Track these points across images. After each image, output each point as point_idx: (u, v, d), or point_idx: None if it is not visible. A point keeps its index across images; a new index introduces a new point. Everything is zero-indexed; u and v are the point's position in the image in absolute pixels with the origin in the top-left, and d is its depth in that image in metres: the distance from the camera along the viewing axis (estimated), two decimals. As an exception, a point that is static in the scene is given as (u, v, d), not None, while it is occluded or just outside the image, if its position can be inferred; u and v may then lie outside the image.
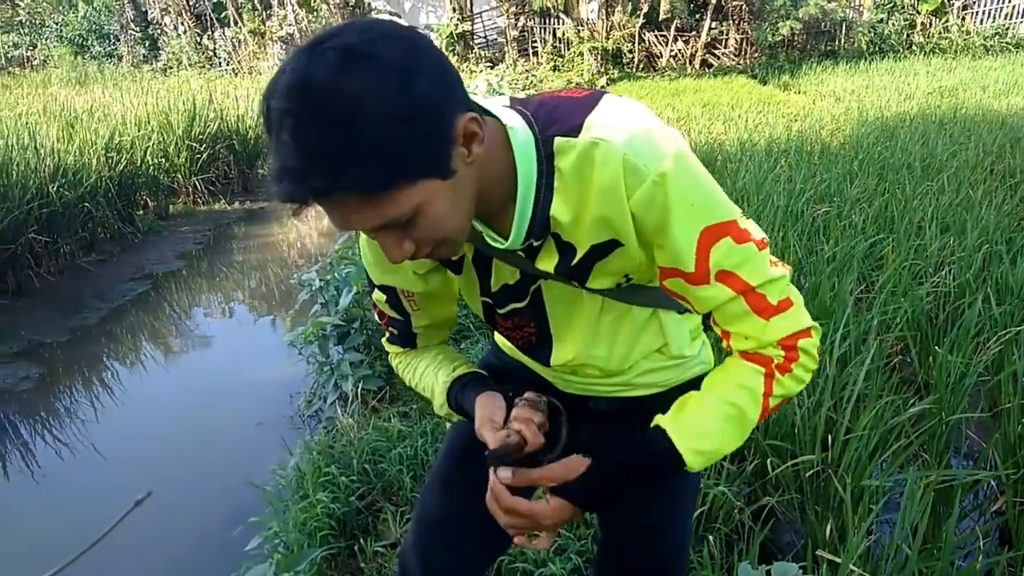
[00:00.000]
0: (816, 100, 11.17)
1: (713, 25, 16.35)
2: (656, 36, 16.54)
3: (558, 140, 0.85)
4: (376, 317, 1.21)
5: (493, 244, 0.93)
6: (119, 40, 20.88)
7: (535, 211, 0.87)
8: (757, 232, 0.88)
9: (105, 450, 3.19)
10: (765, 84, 13.83)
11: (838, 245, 3.74)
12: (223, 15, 19.02)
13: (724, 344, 0.95)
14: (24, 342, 4.24)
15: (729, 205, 0.87)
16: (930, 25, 16.98)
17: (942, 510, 2.08)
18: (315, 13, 17.54)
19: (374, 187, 0.74)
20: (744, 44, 16.74)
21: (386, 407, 3.00)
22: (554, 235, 0.91)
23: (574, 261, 0.92)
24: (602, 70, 15.05)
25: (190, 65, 18.21)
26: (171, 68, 18.18)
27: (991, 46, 16.00)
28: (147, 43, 20.52)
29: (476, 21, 17.25)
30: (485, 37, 17.60)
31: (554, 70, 15.30)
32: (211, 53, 19.19)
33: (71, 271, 5.42)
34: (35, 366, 3.98)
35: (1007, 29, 16.33)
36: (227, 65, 18.35)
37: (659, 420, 0.95)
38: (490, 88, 8.39)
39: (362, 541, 2.20)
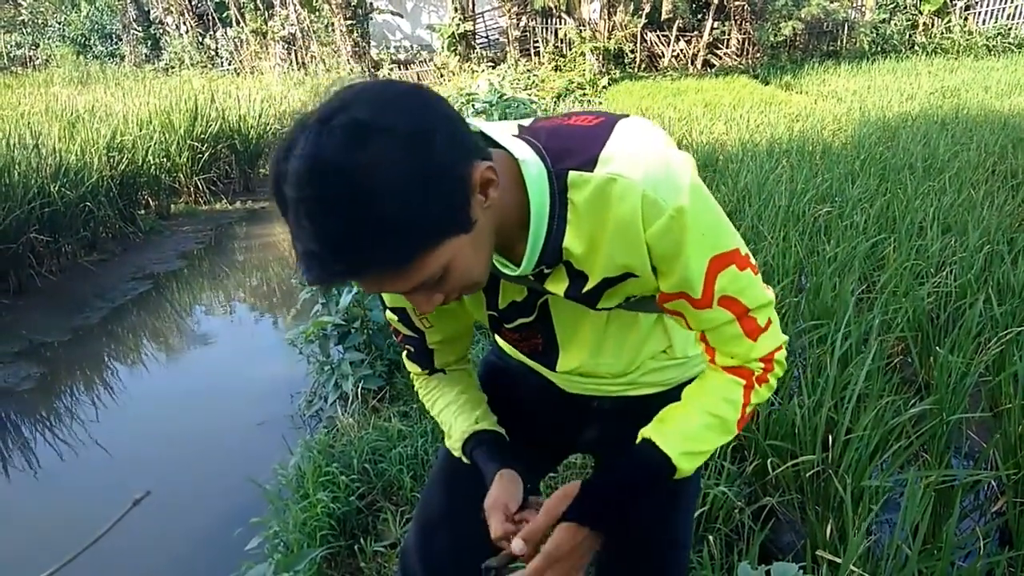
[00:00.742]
0: (818, 100, 11.16)
1: (715, 25, 16.34)
2: (658, 36, 16.54)
3: (572, 174, 0.84)
4: (393, 336, 1.22)
5: (504, 270, 0.93)
6: (121, 40, 20.90)
7: (547, 242, 0.87)
8: (751, 257, 0.91)
9: (106, 450, 3.19)
10: (767, 84, 13.82)
11: (839, 245, 3.74)
12: (225, 15, 19.04)
13: (707, 358, 0.98)
14: (25, 342, 4.24)
15: (732, 232, 0.89)
16: (932, 25, 16.97)
17: (942, 510, 2.08)
18: (317, 13, 17.56)
19: (400, 262, 0.75)
20: (746, 44, 16.73)
21: (386, 407, 3.00)
22: (566, 263, 0.91)
23: (585, 289, 0.93)
24: (604, 70, 15.04)
25: (192, 65, 18.22)
26: (173, 68, 18.20)
27: (993, 46, 15.98)
28: (149, 43, 20.54)
29: (478, 21, 17.26)
30: (487, 37, 17.61)
31: (556, 70, 15.30)
32: (213, 53, 19.21)
33: (73, 271, 5.43)
34: (36, 366, 3.98)
35: (1009, 29, 16.32)
36: (229, 65, 18.37)
37: (645, 432, 0.97)
38: (492, 88, 8.38)
39: (362, 541, 2.20)
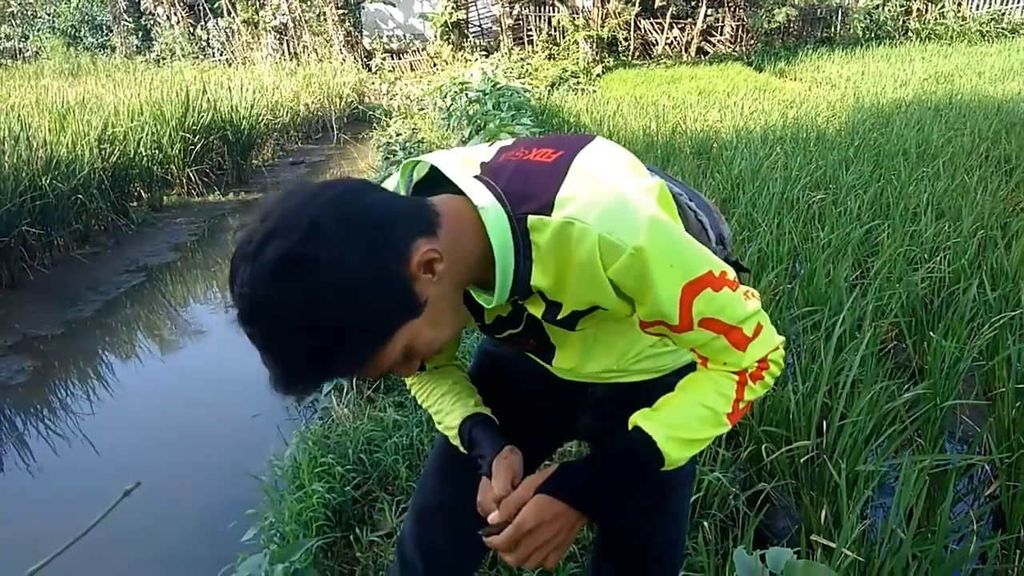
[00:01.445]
0: (812, 87, 11.15)
1: (709, 12, 16.27)
2: (652, 23, 16.46)
3: (532, 219, 0.86)
4: None
5: (481, 302, 0.94)
6: (112, 31, 20.73)
7: (515, 281, 0.89)
8: (729, 272, 0.91)
9: (100, 442, 3.18)
10: (761, 71, 13.79)
11: (834, 231, 3.74)
12: (216, 5, 18.89)
13: (700, 363, 0.99)
14: (18, 335, 4.22)
15: (704, 256, 0.89)
16: (926, 11, 16.94)
17: (936, 494, 2.09)
18: (309, 2, 17.43)
19: (357, 366, 0.83)
20: (740, 31, 16.67)
21: (381, 397, 2.99)
22: (540, 292, 0.92)
23: (559, 316, 0.95)
24: (598, 58, 14.98)
25: (183, 56, 18.08)
26: (164, 59, 18.05)
27: (987, 32, 15.97)
28: (140, 34, 20.37)
29: (471, 9, 17.16)
30: (480, 25, 17.50)
31: (549, 58, 15.23)
32: (204, 43, 19.06)
33: (65, 264, 5.40)
34: (29, 359, 3.96)
35: (1003, 15, 16.31)
36: (220, 55, 18.24)
37: (635, 419, 0.97)
38: (485, 77, 8.35)
39: (358, 531, 2.20)
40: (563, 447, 2.40)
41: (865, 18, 16.47)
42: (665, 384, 1.10)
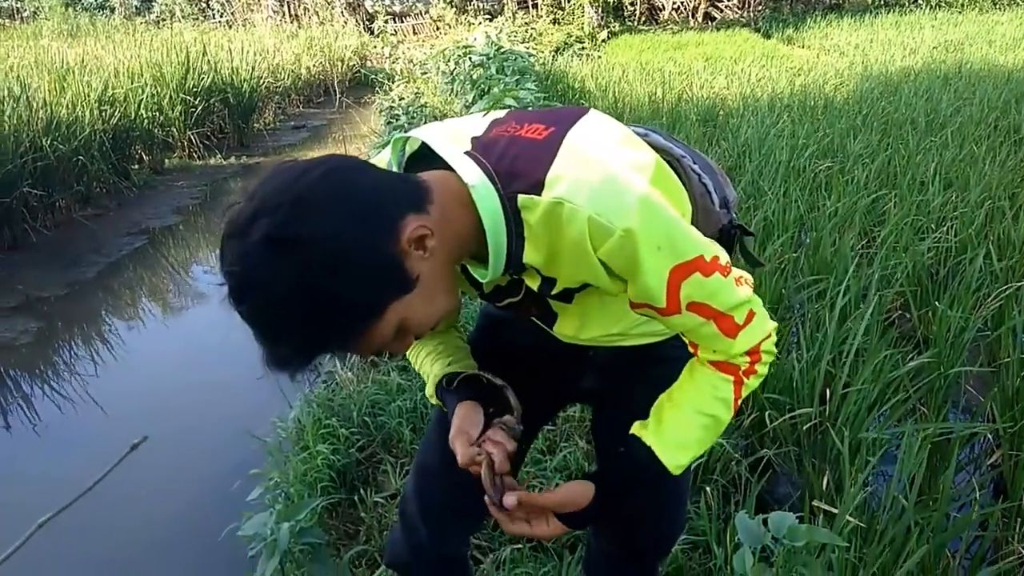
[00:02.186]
0: (820, 54, 11.02)
1: (716, -23, 16.04)
2: (658, -12, 16.23)
3: (522, 198, 0.84)
4: None
5: (477, 276, 0.93)
6: (110, -9, 20.43)
7: (508, 258, 0.88)
8: (722, 256, 0.89)
9: (104, 403, 3.20)
10: (769, 38, 13.62)
11: (840, 200, 3.72)
12: (216, -35, 18.60)
13: (692, 350, 0.99)
14: (22, 296, 4.23)
15: (695, 239, 0.88)
16: (937, -22, 16.66)
17: (939, 463, 2.10)
18: (310, -37, 17.15)
19: (349, 343, 0.83)
20: (748, -3, 16.44)
21: (385, 361, 2.99)
22: (533, 268, 0.91)
23: (554, 291, 0.95)
24: (603, 23, 14.79)
25: (183, 17, 17.86)
26: (164, 20, 17.83)
27: (999, 0, 15.72)
28: (139, -6, 20.10)
29: (475, -28, 16.89)
30: (484, -11, 17.24)
31: (554, 23, 15.03)
32: (204, 5, 18.82)
33: (67, 225, 5.38)
34: (33, 320, 3.97)
35: (1016, -18, 16.03)
36: (221, 17, 18.01)
37: (641, 434, 0.99)
38: (489, 41, 8.23)
39: (362, 491, 2.22)
40: (566, 411, 2.41)
41: (875, -15, 16.22)
42: (666, 347, 1.10)
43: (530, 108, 5.41)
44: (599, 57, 11.82)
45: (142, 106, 6.70)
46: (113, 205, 5.91)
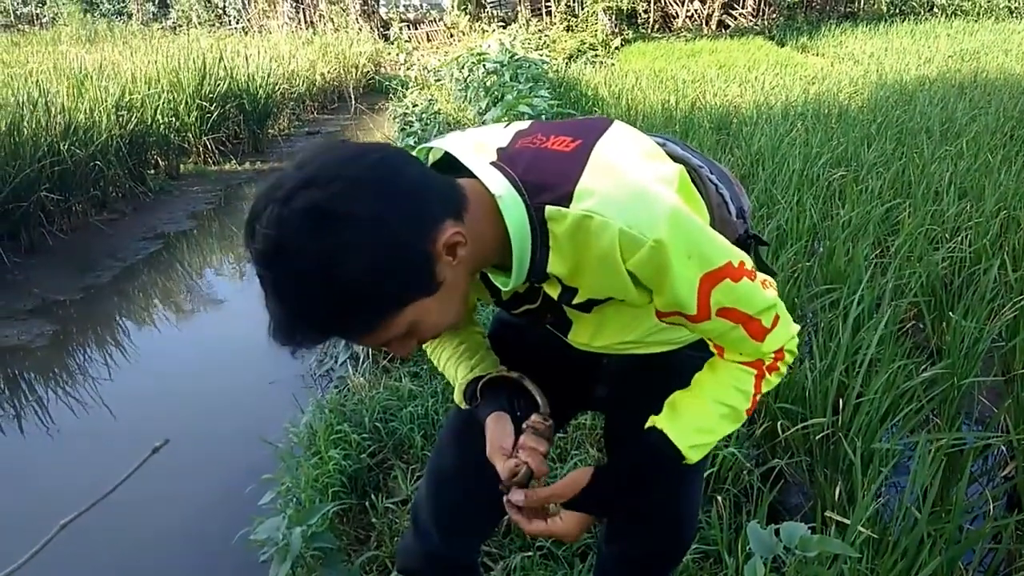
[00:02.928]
0: (834, 62, 10.98)
1: (730, -15, 16.02)
2: (672, -4, 16.23)
3: (549, 209, 0.86)
4: None
5: (498, 284, 0.95)
6: (128, -3, 20.64)
7: (532, 268, 0.89)
8: (747, 261, 0.91)
9: (118, 407, 3.22)
10: (783, 46, 13.58)
11: (854, 209, 3.71)
12: (232, -28, 18.76)
13: (716, 353, 1.00)
14: (38, 299, 4.27)
15: (723, 246, 0.89)
16: (953, -14, 16.59)
17: (952, 474, 2.08)
18: (325, -29, 17.27)
19: (361, 331, 0.83)
20: (762, 5, 16.39)
21: (397, 367, 3.01)
22: (555, 277, 0.93)
23: (575, 300, 0.96)
24: (616, 30, 14.79)
25: (200, 23, 18.03)
26: (181, 26, 18.00)
27: (1015, 8, 15.65)
28: (157, 1, 20.30)
29: (489, -20, 16.95)
30: (498, -4, 17.30)
31: (568, 30, 15.04)
32: (221, 11, 18.98)
33: (84, 230, 5.43)
34: (49, 323, 4.01)
35: (1032, -9, 15.94)
36: (237, 23, 18.15)
37: (657, 422, 0.99)
38: (503, 48, 8.27)
39: (373, 497, 2.23)
40: (577, 419, 2.41)
41: (890, -7, 16.16)
42: (681, 356, 1.10)
43: (543, 115, 5.43)
44: (612, 64, 11.82)
45: (158, 112, 6.76)
46: (129, 210, 5.96)
